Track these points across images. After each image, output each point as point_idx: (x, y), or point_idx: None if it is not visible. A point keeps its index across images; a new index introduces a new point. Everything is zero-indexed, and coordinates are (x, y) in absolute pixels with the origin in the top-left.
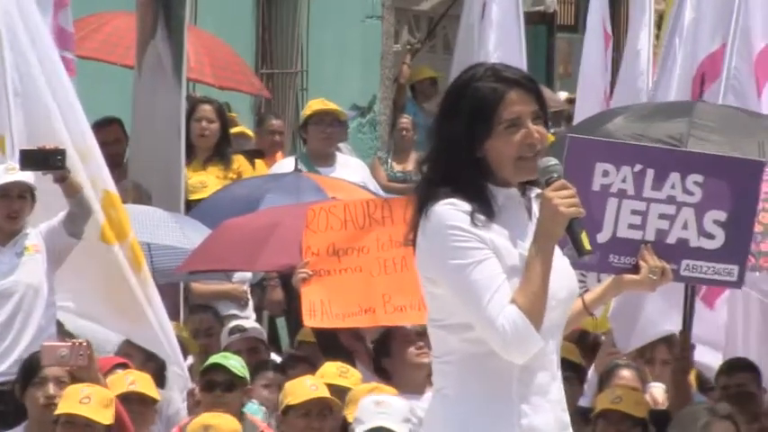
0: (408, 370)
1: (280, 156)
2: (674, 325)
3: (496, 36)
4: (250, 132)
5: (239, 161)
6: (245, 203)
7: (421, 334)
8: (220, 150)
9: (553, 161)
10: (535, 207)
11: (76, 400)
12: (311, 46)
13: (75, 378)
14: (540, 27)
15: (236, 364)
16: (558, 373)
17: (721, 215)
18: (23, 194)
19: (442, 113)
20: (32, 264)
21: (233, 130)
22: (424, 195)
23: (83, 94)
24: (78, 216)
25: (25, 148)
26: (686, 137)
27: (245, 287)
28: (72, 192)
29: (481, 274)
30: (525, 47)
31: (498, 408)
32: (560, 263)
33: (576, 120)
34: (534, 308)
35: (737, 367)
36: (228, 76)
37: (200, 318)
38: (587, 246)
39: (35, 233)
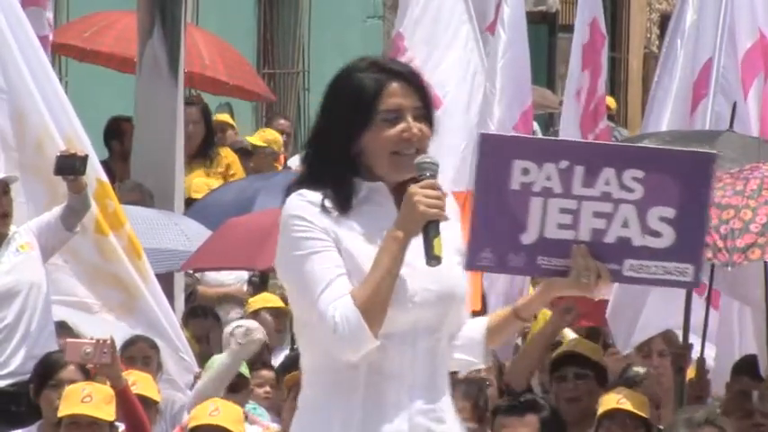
0: None
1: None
2: (671, 321)
3: (508, 37)
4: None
5: (226, 153)
6: (237, 208)
7: None
8: (204, 150)
9: (429, 159)
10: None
11: (78, 400)
12: (313, 46)
13: (89, 377)
14: (542, 27)
15: (241, 365)
16: (431, 380)
17: (668, 211)
18: (6, 191)
19: (320, 108)
20: (30, 261)
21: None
22: (286, 192)
23: (89, 96)
24: (79, 210)
25: (62, 154)
26: None
27: (245, 288)
28: (79, 188)
29: (317, 265)
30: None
31: (339, 416)
32: (424, 263)
33: (561, 119)
34: (370, 304)
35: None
36: (239, 75)
37: (200, 323)
38: (438, 252)
39: (25, 230)
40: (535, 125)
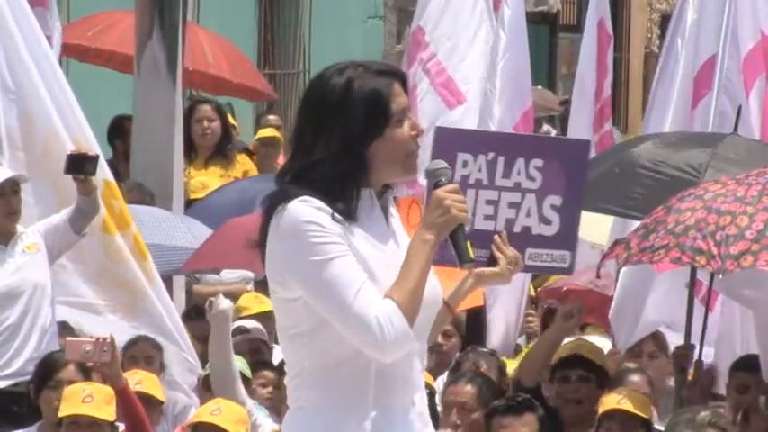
0: None
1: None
2: (666, 319)
3: (508, 38)
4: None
5: (244, 161)
6: (240, 209)
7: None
8: (221, 149)
9: (442, 164)
10: (393, 209)
11: (79, 400)
12: (313, 46)
13: (87, 377)
14: (543, 27)
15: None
16: (422, 381)
17: (557, 200)
18: (16, 190)
19: (322, 117)
20: (35, 262)
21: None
22: (276, 197)
23: (90, 96)
24: (88, 213)
25: (73, 153)
26: (705, 167)
27: (249, 286)
28: (88, 190)
29: (342, 269)
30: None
31: (350, 418)
32: None
33: (570, 121)
34: (411, 305)
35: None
36: (241, 73)
37: (195, 325)
38: (471, 254)
39: (32, 231)
40: (548, 127)
